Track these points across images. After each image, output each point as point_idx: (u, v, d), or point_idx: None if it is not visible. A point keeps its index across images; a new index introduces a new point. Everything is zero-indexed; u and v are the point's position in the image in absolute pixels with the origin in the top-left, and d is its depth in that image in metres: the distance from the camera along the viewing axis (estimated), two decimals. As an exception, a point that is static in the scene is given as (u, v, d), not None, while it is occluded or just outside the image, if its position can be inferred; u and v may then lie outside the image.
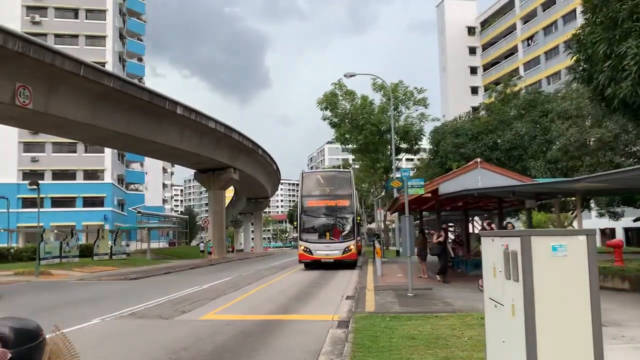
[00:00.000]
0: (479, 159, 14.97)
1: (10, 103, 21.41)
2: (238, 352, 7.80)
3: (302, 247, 25.20)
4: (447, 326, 8.95)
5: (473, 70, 76.13)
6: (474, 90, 74.20)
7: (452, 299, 12.31)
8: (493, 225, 13.68)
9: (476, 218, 32.67)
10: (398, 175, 13.49)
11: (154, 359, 7.46)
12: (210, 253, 42.39)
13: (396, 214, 38.88)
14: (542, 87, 47.55)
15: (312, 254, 24.79)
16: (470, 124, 32.44)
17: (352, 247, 24.83)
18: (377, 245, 22.28)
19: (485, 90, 65.52)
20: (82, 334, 9.46)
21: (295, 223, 26.47)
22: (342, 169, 33.79)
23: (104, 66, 49.84)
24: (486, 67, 74.46)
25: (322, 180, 27.57)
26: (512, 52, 68.77)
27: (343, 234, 25.42)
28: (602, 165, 24.04)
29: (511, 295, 3.96)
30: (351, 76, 29.47)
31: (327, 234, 25.47)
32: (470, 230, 25.34)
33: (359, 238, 42.27)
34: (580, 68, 14.19)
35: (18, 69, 21.38)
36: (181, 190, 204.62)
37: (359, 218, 26.13)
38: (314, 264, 25.35)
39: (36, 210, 55.30)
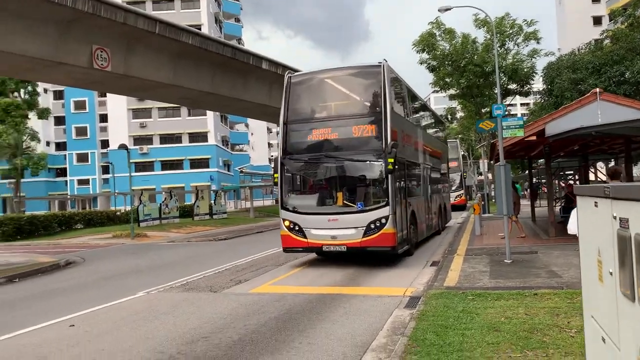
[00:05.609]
0: (598, 89, 11.84)
1: (88, 67, 21.13)
2: (264, 344, 6.15)
3: (287, 223, 12.44)
4: (548, 310, 6.64)
5: (596, -3, 67.16)
6: (597, 21, 65.40)
7: (561, 267, 9.72)
8: None
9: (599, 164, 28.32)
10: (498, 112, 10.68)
11: (150, 354, 6.06)
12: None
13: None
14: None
15: (304, 235, 12.11)
16: (591, 56, 27.81)
17: (384, 220, 11.47)
18: (476, 201, 19.47)
19: (610, 20, 57.40)
20: (111, 312, 8.39)
21: (276, 176, 12.73)
22: (367, 64, 13.15)
23: (199, 28, 49.91)
24: (612, -8, 65.23)
25: (325, 86, 13.62)
26: (645, -30, 59.30)
27: (364, 195, 12.22)
28: None
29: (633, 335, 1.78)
30: (446, 10, 26.10)
31: (337, 195, 12.36)
32: (592, 178, 21.54)
33: (462, 192, 38.84)
34: None
35: (92, 31, 20.93)
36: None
37: (464, 174, 20.56)
38: (314, 252, 13.20)
39: (148, 173, 58.36)
